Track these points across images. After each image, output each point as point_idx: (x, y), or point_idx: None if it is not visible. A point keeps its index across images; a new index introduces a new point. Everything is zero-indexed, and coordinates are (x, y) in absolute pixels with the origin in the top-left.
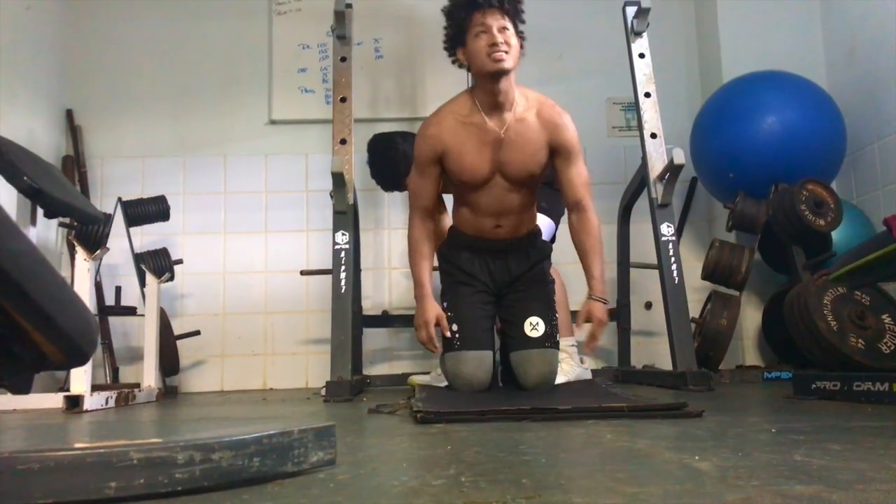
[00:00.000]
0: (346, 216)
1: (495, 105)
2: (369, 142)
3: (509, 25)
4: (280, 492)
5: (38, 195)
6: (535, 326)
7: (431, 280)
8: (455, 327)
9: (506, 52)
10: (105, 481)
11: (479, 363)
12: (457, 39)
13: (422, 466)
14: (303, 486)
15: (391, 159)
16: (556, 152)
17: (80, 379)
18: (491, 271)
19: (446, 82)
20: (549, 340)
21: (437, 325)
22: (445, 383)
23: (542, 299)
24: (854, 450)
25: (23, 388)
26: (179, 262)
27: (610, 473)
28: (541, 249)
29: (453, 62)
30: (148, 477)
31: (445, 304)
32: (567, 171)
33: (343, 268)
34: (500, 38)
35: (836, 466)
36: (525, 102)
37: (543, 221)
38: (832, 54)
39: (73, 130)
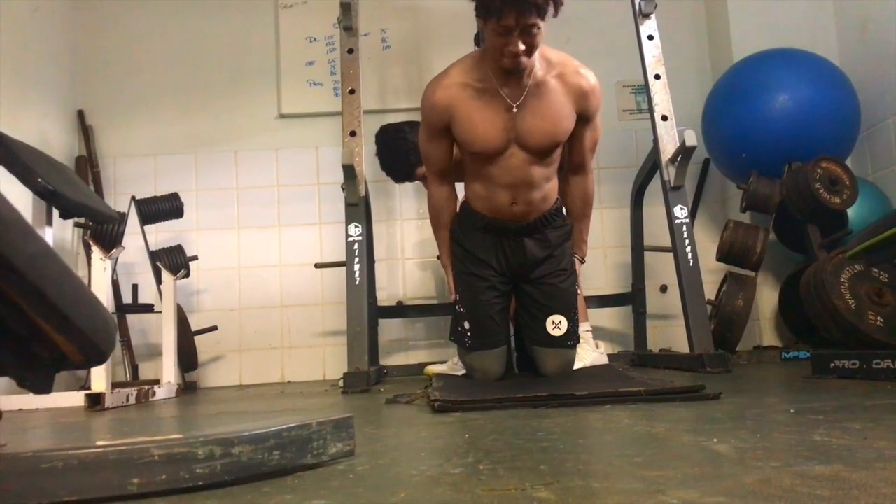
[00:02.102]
0: (359, 208)
1: (511, 72)
2: (377, 134)
3: (540, 22)
4: (300, 484)
5: (52, 196)
6: (557, 325)
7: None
8: (467, 325)
9: (525, 58)
10: (127, 478)
11: (493, 360)
12: (480, 14)
13: (440, 455)
14: (322, 478)
15: (400, 150)
16: (580, 118)
17: (101, 377)
18: (506, 255)
19: None
20: (572, 338)
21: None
22: (462, 372)
23: (565, 293)
24: (874, 428)
25: (44, 387)
26: (194, 258)
27: (628, 458)
28: (562, 229)
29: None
30: (169, 473)
31: (457, 297)
32: (582, 131)
33: (357, 259)
34: (521, 45)
35: (856, 445)
36: (545, 65)
37: None
38: (844, 30)
39: (85, 131)
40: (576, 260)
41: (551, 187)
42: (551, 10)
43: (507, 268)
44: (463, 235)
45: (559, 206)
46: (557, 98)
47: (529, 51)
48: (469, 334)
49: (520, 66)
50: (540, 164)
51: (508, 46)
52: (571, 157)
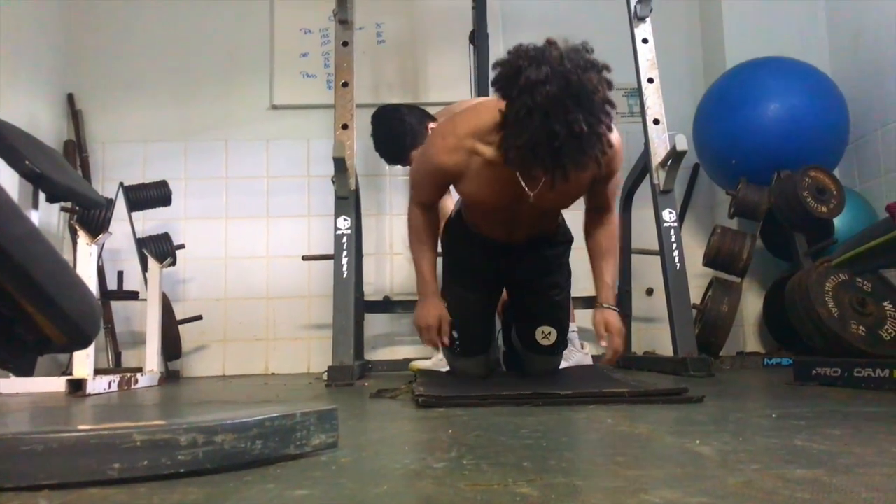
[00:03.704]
0: (348, 201)
1: None
2: (374, 113)
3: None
4: (282, 474)
5: (39, 179)
6: (546, 336)
7: (435, 273)
8: (455, 334)
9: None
10: (108, 463)
11: (478, 364)
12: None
13: (424, 449)
14: (305, 468)
15: (396, 131)
16: (600, 177)
17: (83, 363)
18: (499, 267)
19: (448, 67)
20: (559, 347)
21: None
22: (447, 368)
23: (558, 307)
24: (854, 435)
25: (26, 369)
26: (181, 246)
27: (611, 457)
28: (561, 246)
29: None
30: (151, 459)
31: (446, 304)
32: (601, 188)
33: (345, 253)
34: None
35: (837, 451)
36: None
37: None
38: (836, 40)
39: (75, 115)
40: (606, 310)
41: (555, 219)
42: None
43: (499, 277)
44: (454, 246)
45: (561, 220)
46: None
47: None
48: (457, 342)
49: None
50: (546, 214)
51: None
52: (591, 200)
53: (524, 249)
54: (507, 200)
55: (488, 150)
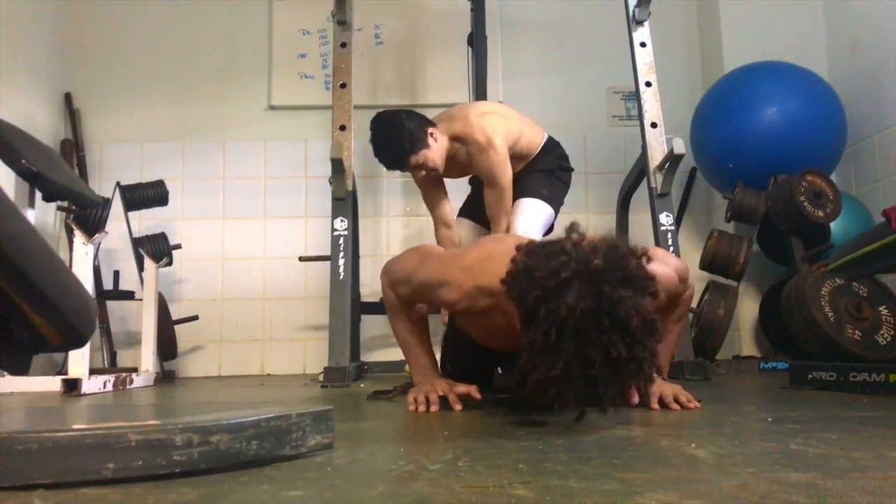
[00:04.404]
0: (345, 203)
1: None
2: (373, 119)
3: None
4: (277, 475)
5: (36, 178)
6: None
7: (434, 359)
8: (448, 367)
9: None
10: (103, 462)
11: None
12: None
13: (419, 451)
14: (300, 469)
15: (396, 136)
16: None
17: (78, 362)
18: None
19: (446, 69)
20: None
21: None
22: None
23: None
24: (850, 439)
25: (21, 368)
26: (178, 247)
27: (606, 459)
28: None
29: None
30: (146, 458)
31: (446, 350)
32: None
33: (341, 254)
34: None
35: (832, 455)
36: None
37: (543, 209)
38: (834, 45)
39: (72, 114)
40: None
41: None
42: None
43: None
44: (451, 336)
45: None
46: None
47: None
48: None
49: None
50: None
51: None
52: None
53: None
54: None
55: (491, 299)
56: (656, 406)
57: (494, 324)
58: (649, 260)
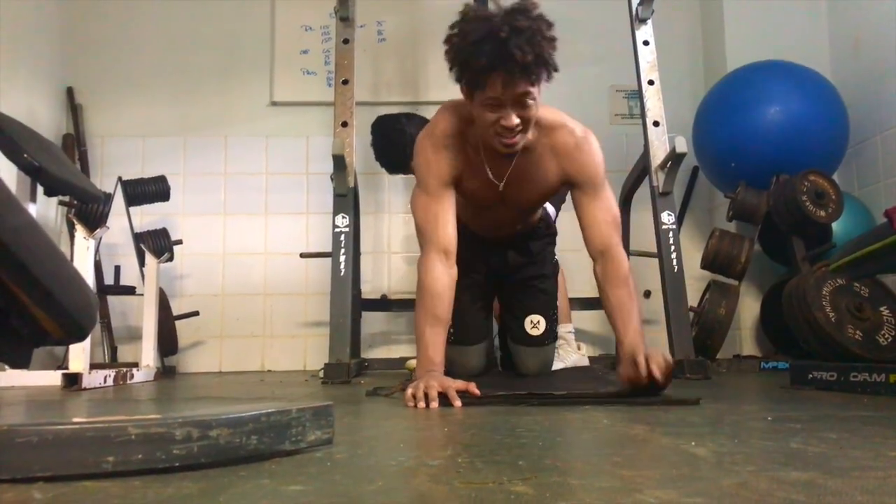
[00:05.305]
0: (347, 199)
1: (505, 156)
2: (373, 123)
3: (534, 89)
4: (277, 470)
5: (38, 173)
6: (535, 325)
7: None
8: (451, 329)
9: (521, 133)
10: (103, 456)
11: (472, 355)
12: (463, 86)
13: (419, 447)
14: (300, 464)
15: (397, 142)
16: (574, 184)
17: (79, 357)
18: (488, 260)
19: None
20: (549, 337)
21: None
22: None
23: (545, 295)
24: (850, 438)
25: (22, 362)
26: (179, 242)
27: (606, 457)
28: (544, 239)
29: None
30: (146, 452)
31: None
32: (588, 207)
33: (343, 251)
34: (514, 120)
35: (832, 454)
36: (536, 130)
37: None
38: (837, 45)
39: (74, 109)
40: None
41: (536, 216)
42: (544, 74)
43: (488, 270)
44: None
45: (543, 217)
46: (542, 163)
47: (524, 126)
48: (451, 329)
49: (514, 147)
50: (525, 211)
51: (501, 122)
52: (589, 241)
53: (510, 244)
54: (489, 198)
55: (468, 145)
56: (654, 369)
57: (475, 180)
58: None
